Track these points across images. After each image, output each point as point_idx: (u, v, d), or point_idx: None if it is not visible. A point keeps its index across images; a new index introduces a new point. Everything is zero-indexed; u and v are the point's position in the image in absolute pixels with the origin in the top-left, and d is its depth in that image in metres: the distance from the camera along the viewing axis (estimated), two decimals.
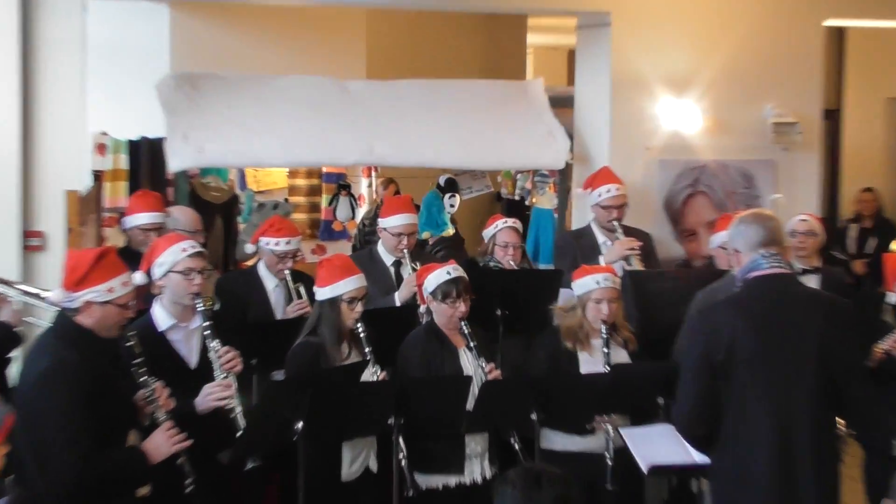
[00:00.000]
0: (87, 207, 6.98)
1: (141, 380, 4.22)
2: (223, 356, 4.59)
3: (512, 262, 6.42)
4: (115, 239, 7.17)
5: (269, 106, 7.20)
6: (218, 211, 8.04)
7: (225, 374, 4.57)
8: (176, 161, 6.75)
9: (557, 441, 5.25)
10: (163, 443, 4.14)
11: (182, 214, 6.33)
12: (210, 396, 4.51)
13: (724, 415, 4.10)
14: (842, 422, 4.27)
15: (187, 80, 7.22)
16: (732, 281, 5.50)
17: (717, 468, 4.22)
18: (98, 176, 7.32)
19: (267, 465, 4.88)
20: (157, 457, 4.12)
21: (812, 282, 6.36)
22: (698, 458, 4.54)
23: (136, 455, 4.11)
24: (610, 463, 5.09)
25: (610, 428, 5.11)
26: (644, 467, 4.68)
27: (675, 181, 7.63)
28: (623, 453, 4.95)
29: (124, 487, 4.09)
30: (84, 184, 7.06)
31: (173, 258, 4.68)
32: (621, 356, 5.37)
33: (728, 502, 4.17)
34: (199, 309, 4.65)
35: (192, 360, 4.70)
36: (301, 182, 9.32)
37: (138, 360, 4.23)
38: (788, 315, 4.12)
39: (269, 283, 6.02)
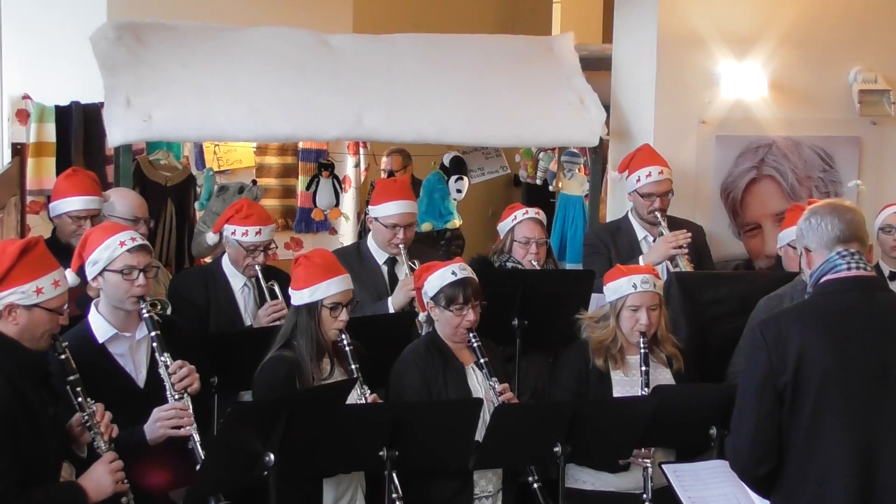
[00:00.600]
0: (5, 189, 7.01)
1: (77, 401, 4.29)
2: (176, 373, 4.66)
3: (534, 263, 6.49)
4: (41, 228, 7.24)
5: (232, 64, 7.24)
6: (169, 195, 8.10)
7: (179, 395, 4.64)
8: (117, 133, 6.77)
9: (586, 479, 5.36)
10: (104, 478, 4.22)
11: (120, 198, 6.33)
12: (162, 423, 4.59)
13: (790, 448, 4.16)
14: None
15: (130, 31, 7.22)
16: (803, 286, 5.61)
17: None
18: (19, 150, 7.37)
19: None
20: (97, 495, 4.19)
21: None
22: (759, 502, 4.63)
23: (72, 493, 4.18)
24: None
25: (649, 464, 5.21)
26: None
27: (736, 163, 7.66)
28: (665, 495, 5.04)
29: None
30: (1, 160, 7.13)
31: (109, 254, 4.74)
32: (664, 376, 5.47)
33: None
34: (144, 315, 4.72)
35: (139, 378, 4.77)
36: (272, 160, 9.39)
37: (73, 378, 4.31)
38: (871, 326, 4.16)
39: (236, 282, 6.08)
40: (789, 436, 4.16)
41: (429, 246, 8.58)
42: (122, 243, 4.75)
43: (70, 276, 4.74)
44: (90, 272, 4.77)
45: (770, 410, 4.15)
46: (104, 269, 4.73)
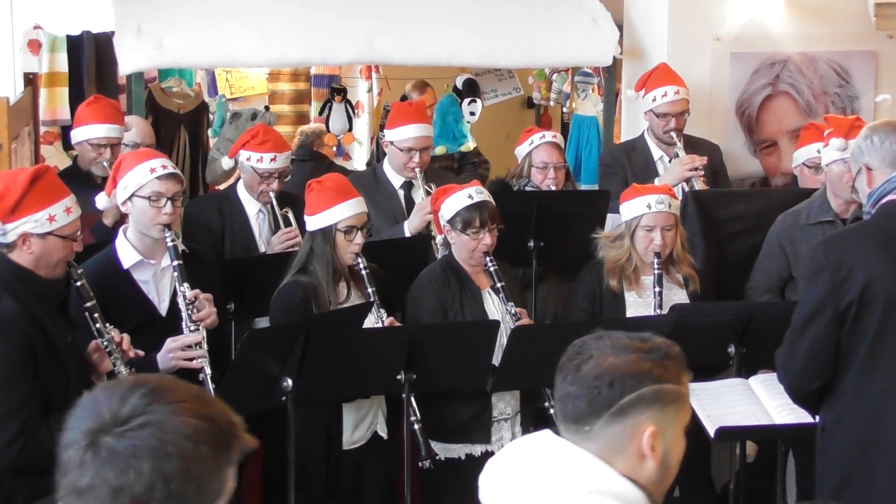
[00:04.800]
0: (18, 119, 7.02)
1: (95, 327, 4.30)
2: (193, 304, 4.67)
3: (553, 187, 6.45)
4: (55, 159, 7.24)
5: None
6: (182, 122, 8.11)
7: (195, 327, 4.66)
8: (128, 60, 6.74)
9: None
10: None
11: (128, 124, 6.35)
12: (174, 353, 4.61)
13: (848, 368, 4.12)
14: None
15: None
16: (823, 200, 5.56)
17: (833, 432, 4.22)
18: (31, 80, 7.36)
19: (248, 431, 4.97)
20: None
21: None
22: (780, 419, 4.61)
23: None
24: None
25: None
26: (711, 431, 4.74)
27: (751, 80, 7.60)
28: None
29: None
30: (14, 90, 7.11)
31: (139, 179, 4.74)
32: (679, 297, 5.45)
33: (846, 475, 4.18)
34: (168, 244, 4.71)
35: (162, 305, 4.80)
36: (285, 87, 9.38)
37: (90, 304, 4.31)
38: None
39: (251, 208, 6.04)
40: (848, 356, 4.12)
41: (452, 171, 8.58)
42: (152, 170, 4.75)
43: (103, 199, 4.77)
44: (120, 196, 4.79)
45: (828, 330, 4.11)
46: (133, 195, 4.74)
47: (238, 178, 6.21)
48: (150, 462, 1.92)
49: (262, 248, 5.99)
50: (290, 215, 5.92)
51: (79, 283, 4.31)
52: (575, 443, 2.45)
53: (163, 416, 1.95)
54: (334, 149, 9.27)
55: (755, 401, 4.65)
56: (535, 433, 2.56)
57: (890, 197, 4.16)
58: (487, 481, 2.55)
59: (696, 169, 6.41)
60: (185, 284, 4.67)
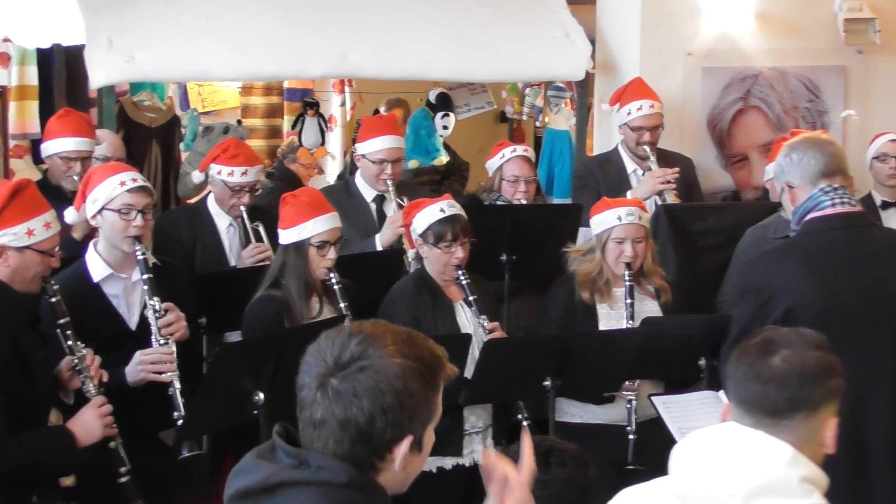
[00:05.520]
0: None
1: (67, 344, 4.28)
2: (163, 317, 4.65)
3: (524, 201, 6.47)
4: (25, 173, 7.21)
5: (215, 2, 7.16)
6: (154, 136, 8.10)
7: (164, 341, 4.64)
8: (99, 74, 6.72)
9: (573, 412, 5.38)
10: (93, 422, 4.21)
11: (99, 138, 6.33)
12: (143, 366, 4.59)
13: None
14: None
15: None
16: (783, 219, 5.59)
17: None
18: (1, 93, 7.35)
19: (219, 446, 4.96)
20: (86, 439, 4.20)
21: None
22: None
23: (61, 436, 4.18)
24: (632, 437, 5.22)
25: (633, 396, 5.22)
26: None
27: (722, 94, 7.63)
28: (650, 427, 5.06)
29: (47, 474, 4.19)
30: None
31: (109, 192, 4.73)
32: (651, 308, 5.47)
33: None
34: (139, 257, 4.70)
35: (132, 320, 4.79)
36: (258, 100, 9.38)
37: (64, 321, 4.30)
38: (859, 265, 4.14)
39: (221, 222, 6.02)
40: None
41: (436, 183, 8.59)
42: (122, 183, 4.75)
43: (72, 214, 4.76)
44: (89, 210, 4.77)
45: None
46: (103, 208, 4.73)
47: (209, 192, 6.19)
48: (369, 399, 2.35)
49: (233, 262, 5.97)
50: (261, 229, 5.91)
51: (54, 300, 4.30)
52: (770, 434, 2.58)
53: (376, 360, 2.37)
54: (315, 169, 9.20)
55: None
56: (720, 425, 2.67)
57: (812, 214, 4.18)
58: (679, 467, 2.63)
59: (668, 182, 6.44)
60: (155, 298, 4.65)
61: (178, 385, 4.58)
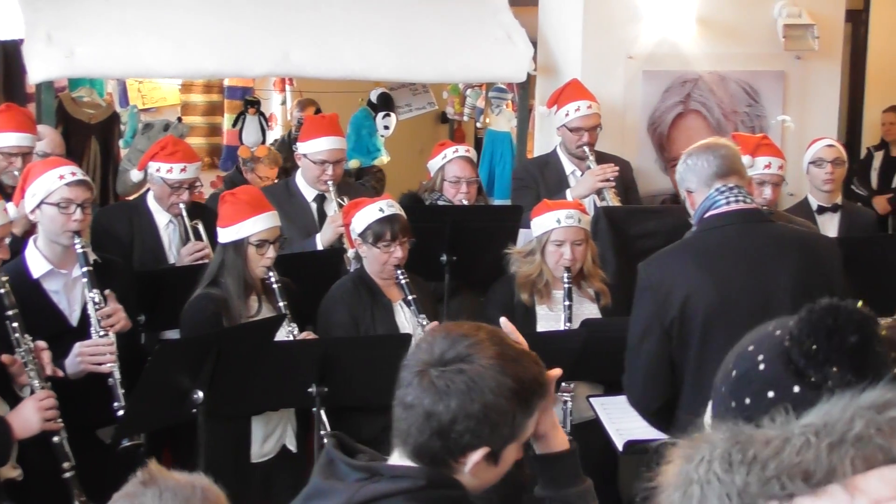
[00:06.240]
0: None
1: (14, 336, 4.27)
2: (102, 309, 4.64)
3: (465, 202, 6.49)
4: None
5: None
6: (93, 132, 8.04)
7: (104, 332, 4.64)
8: (38, 69, 6.69)
9: None
10: (32, 415, 4.20)
11: (39, 134, 6.26)
12: (83, 357, 4.57)
13: (683, 384, 4.22)
14: None
15: None
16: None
17: None
18: None
19: (157, 443, 4.95)
20: (23, 431, 4.19)
21: (832, 222, 6.55)
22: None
23: None
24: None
25: (569, 398, 5.25)
26: (620, 444, 4.78)
27: (662, 98, 7.70)
28: (585, 428, 5.09)
29: None
30: None
31: (48, 186, 4.71)
32: (591, 311, 5.50)
33: None
34: (78, 251, 4.69)
35: (73, 315, 4.77)
36: (198, 98, 9.35)
37: (12, 313, 4.29)
38: (751, 258, 4.21)
39: (161, 219, 6.00)
40: (681, 371, 4.23)
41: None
42: (61, 176, 4.73)
43: (12, 209, 4.73)
44: (28, 204, 4.76)
45: (659, 348, 4.23)
46: (42, 202, 4.71)
47: (148, 189, 6.16)
48: (457, 401, 2.39)
49: (172, 260, 5.95)
50: (201, 227, 5.89)
51: (2, 291, 4.29)
52: None
53: (477, 368, 2.41)
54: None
55: None
56: None
57: (709, 213, 4.27)
58: None
59: (607, 180, 6.49)
60: (95, 290, 4.65)
61: (118, 376, 4.58)
